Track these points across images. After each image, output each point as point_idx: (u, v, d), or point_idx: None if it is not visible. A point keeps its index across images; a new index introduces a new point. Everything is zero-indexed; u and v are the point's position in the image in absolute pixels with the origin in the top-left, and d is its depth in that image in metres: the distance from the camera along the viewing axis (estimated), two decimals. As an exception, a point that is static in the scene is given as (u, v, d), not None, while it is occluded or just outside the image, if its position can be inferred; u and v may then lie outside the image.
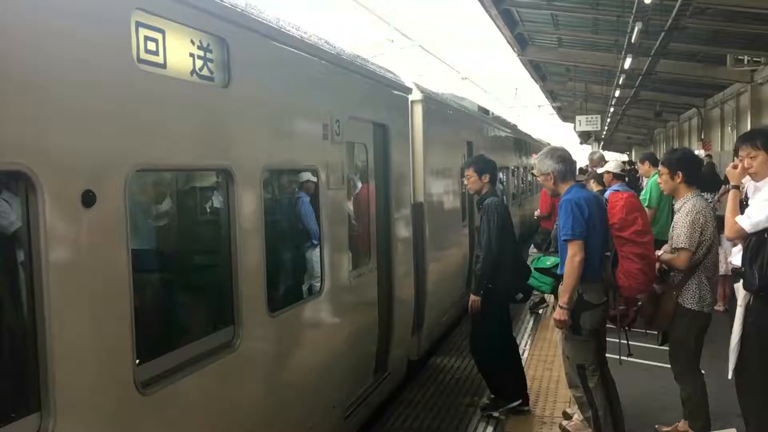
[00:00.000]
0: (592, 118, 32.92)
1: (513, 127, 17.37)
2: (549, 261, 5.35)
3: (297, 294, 4.91)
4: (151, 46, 3.11)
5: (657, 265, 5.12)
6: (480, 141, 11.56)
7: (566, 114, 43.76)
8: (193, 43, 3.43)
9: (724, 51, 18.30)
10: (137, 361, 2.96)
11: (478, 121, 11.88)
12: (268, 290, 4.06)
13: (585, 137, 49.47)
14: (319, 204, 4.93)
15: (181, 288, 3.91)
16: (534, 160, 5.41)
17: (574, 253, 4.76)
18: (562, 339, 5.25)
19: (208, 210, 4.20)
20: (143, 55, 3.05)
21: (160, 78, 3.18)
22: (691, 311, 4.96)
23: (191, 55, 3.42)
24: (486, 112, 13.21)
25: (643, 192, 9.81)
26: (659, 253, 5.13)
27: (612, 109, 32.48)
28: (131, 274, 2.91)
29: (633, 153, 55.55)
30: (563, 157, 5.18)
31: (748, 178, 7.04)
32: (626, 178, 9.22)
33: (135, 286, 2.94)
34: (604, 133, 44.21)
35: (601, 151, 42.07)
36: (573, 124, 36.93)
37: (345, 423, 5.42)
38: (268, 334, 4.14)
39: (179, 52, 3.33)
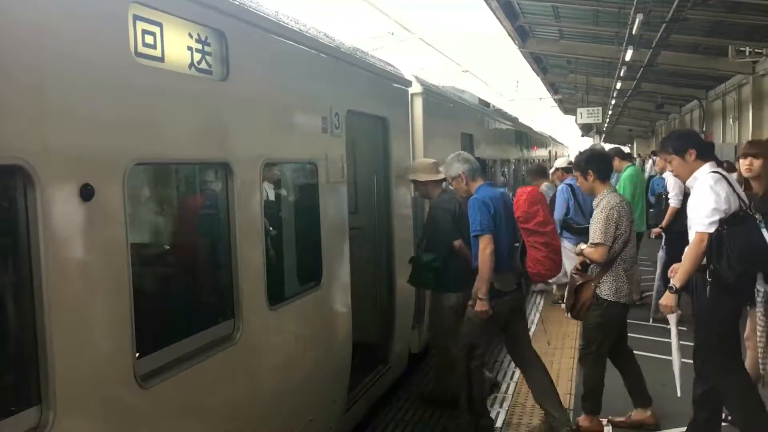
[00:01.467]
0: (593, 110, 32.81)
1: (514, 120, 17.33)
2: (424, 258, 5.99)
3: (297, 287, 4.92)
4: (149, 39, 3.11)
5: (579, 258, 5.41)
6: (480, 134, 11.54)
7: (567, 106, 43.64)
8: (191, 36, 3.43)
9: (726, 42, 18.19)
10: (137, 354, 2.96)
11: (478, 113, 11.84)
12: (268, 283, 4.07)
13: (586, 130, 49.36)
14: (319, 197, 4.93)
15: (181, 281, 3.92)
16: (441, 169, 5.98)
17: (484, 247, 5.21)
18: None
19: (208, 203, 4.20)
20: (141, 49, 3.05)
21: (158, 71, 3.17)
22: (607, 302, 5.28)
23: (189, 48, 3.41)
24: (486, 104, 13.17)
25: (618, 188, 9.86)
26: (581, 246, 5.41)
27: (613, 102, 32.38)
28: (130, 267, 2.92)
29: (635, 145, 55.43)
30: (467, 158, 5.68)
31: (668, 173, 7.32)
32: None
33: (134, 279, 2.94)
34: (606, 125, 44.10)
35: (602, 143, 41.96)
36: (574, 117, 36.83)
37: (346, 416, 5.43)
38: (268, 327, 4.15)
39: (177, 45, 3.32)
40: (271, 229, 4.46)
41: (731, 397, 4.66)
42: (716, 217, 4.40)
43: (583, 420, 5.52)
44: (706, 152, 4.73)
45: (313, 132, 4.85)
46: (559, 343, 8.03)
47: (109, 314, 2.81)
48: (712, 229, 4.40)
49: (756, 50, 17.69)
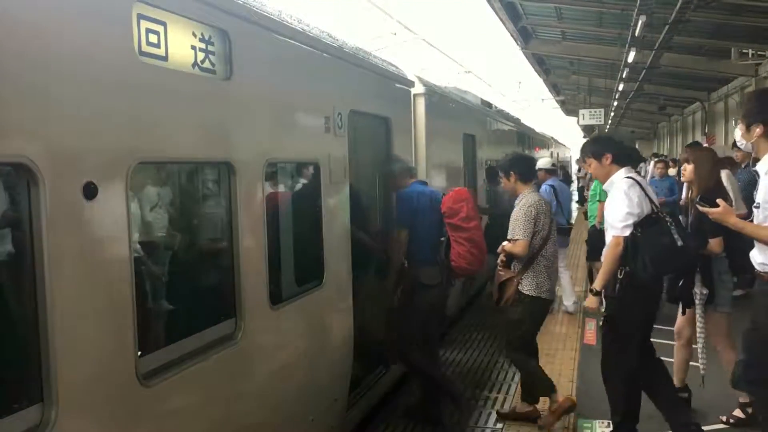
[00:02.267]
0: (595, 111, 32.79)
1: (516, 121, 17.33)
2: None
3: (299, 287, 4.92)
4: (153, 38, 3.11)
5: (502, 255, 5.72)
6: (483, 134, 11.54)
7: (570, 108, 43.58)
8: (194, 35, 3.43)
9: (729, 44, 18.18)
10: (139, 352, 2.97)
11: (480, 114, 11.84)
12: (269, 283, 4.07)
13: (588, 131, 49.31)
14: (321, 197, 4.93)
15: (183, 280, 3.92)
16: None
17: (396, 239, 5.84)
18: None
19: (210, 202, 4.19)
20: (145, 48, 3.05)
21: (162, 70, 3.17)
22: (528, 297, 5.55)
23: (193, 47, 3.42)
24: (489, 105, 13.17)
25: (592, 187, 10.03)
26: (504, 244, 5.70)
27: (616, 103, 32.39)
28: (133, 265, 2.92)
29: (637, 147, 55.39)
30: (398, 158, 6.25)
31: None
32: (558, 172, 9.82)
33: (137, 278, 2.95)
34: (608, 127, 44.07)
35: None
36: (576, 118, 36.80)
37: (347, 415, 5.43)
38: (270, 327, 4.15)
39: (181, 44, 3.33)
40: (273, 228, 4.46)
41: (615, 391, 5.07)
42: (630, 221, 4.70)
43: (520, 407, 5.87)
44: (622, 158, 5.10)
45: (315, 132, 4.84)
46: (560, 345, 8.04)
47: (111, 312, 2.81)
48: (626, 233, 4.69)
49: (759, 52, 17.70)
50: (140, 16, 3.02)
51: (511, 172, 5.79)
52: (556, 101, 42.57)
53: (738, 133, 4.52)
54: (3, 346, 2.61)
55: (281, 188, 4.93)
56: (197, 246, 4.12)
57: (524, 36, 22.71)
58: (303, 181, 5.19)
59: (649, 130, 51.14)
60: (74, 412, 2.59)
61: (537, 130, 23.70)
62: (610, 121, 40.40)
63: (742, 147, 5.07)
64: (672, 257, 4.61)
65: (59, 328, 2.51)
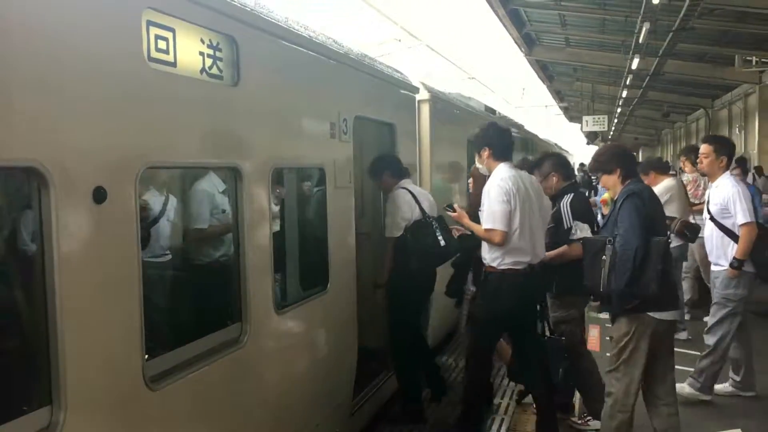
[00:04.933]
0: (599, 118, 32.79)
1: (520, 127, 17.35)
2: None
3: (304, 291, 4.94)
4: (162, 44, 3.14)
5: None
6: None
7: (573, 114, 43.59)
8: (203, 41, 3.46)
9: (733, 51, 18.20)
10: (146, 356, 2.99)
11: (484, 120, 11.86)
12: (275, 287, 4.09)
13: (592, 137, 49.32)
14: (326, 202, 4.95)
15: (190, 284, 3.94)
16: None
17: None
18: None
19: (217, 207, 4.22)
20: (154, 54, 3.08)
21: (171, 76, 3.20)
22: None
23: (201, 53, 3.45)
24: (492, 111, 13.18)
25: None
26: None
27: (619, 110, 32.37)
28: (141, 270, 2.94)
29: (640, 154, 55.36)
30: None
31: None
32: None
33: (144, 282, 2.97)
34: (612, 133, 44.05)
35: (608, 151, 41.60)
36: (580, 125, 36.80)
37: (352, 419, 5.44)
38: (275, 331, 4.17)
39: (189, 50, 3.36)
40: (278, 233, 4.48)
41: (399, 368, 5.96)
42: (402, 224, 5.60)
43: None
44: (399, 171, 5.90)
45: (321, 137, 4.87)
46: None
47: (119, 316, 2.84)
48: (397, 234, 5.59)
49: (762, 59, 17.72)
50: (149, 23, 3.05)
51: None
52: (560, 108, 42.59)
53: (477, 159, 5.33)
54: (13, 349, 2.63)
55: (287, 193, 4.96)
56: (204, 250, 4.15)
57: (528, 42, 22.77)
58: (308, 186, 5.21)
59: (652, 137, 51.12)
60: (82, 415, 2.61)
61: (540, 136, 23.73)
62: (613, 128, 40.36)
63: (481, 170, 5.47)
64: (434, 255, 5.57)
65: (68, 331, 2.53)
